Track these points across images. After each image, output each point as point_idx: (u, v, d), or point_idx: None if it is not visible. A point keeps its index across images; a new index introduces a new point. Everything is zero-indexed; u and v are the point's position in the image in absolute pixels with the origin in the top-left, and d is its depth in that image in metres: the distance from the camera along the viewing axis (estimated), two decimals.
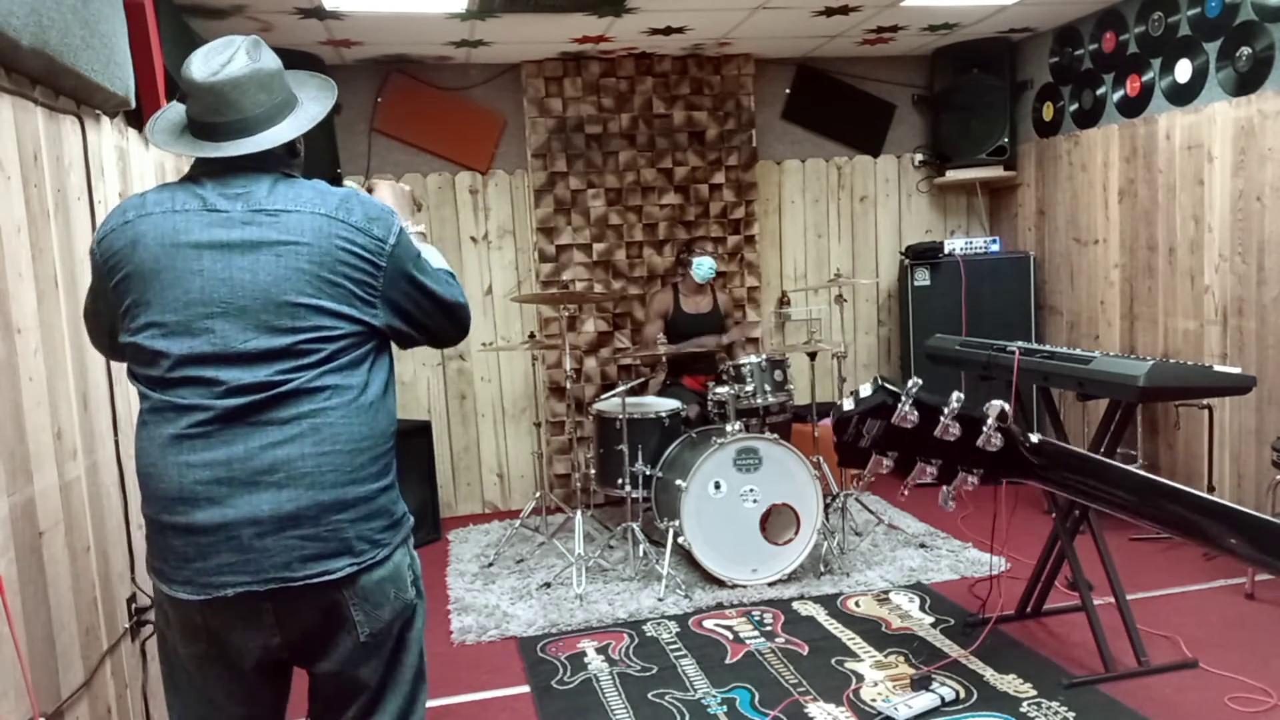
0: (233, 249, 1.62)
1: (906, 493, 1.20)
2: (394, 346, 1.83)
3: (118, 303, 1.67)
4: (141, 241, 1.64)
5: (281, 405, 1.61)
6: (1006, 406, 1.10)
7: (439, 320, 1.84)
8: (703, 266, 4.91)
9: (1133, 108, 4.74)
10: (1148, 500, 1.07)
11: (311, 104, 1.81)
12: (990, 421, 1.09)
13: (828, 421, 5.17)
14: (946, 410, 1.09)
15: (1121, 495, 1.08)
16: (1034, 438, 1.11)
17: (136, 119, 2.91)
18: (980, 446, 1.10)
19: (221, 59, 1.67)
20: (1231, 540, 1.01)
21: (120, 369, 2.54)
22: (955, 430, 1.10)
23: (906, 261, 5.56)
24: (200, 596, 1.60)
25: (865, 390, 1.12)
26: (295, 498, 1.60)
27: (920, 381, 1.11)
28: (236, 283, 1.61)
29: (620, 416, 4.24)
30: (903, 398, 1.09)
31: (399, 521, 1.75)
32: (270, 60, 1.73)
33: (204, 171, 1.71)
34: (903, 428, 1.10)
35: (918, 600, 3.87)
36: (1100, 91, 4.96)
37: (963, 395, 1.10)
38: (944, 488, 1.14)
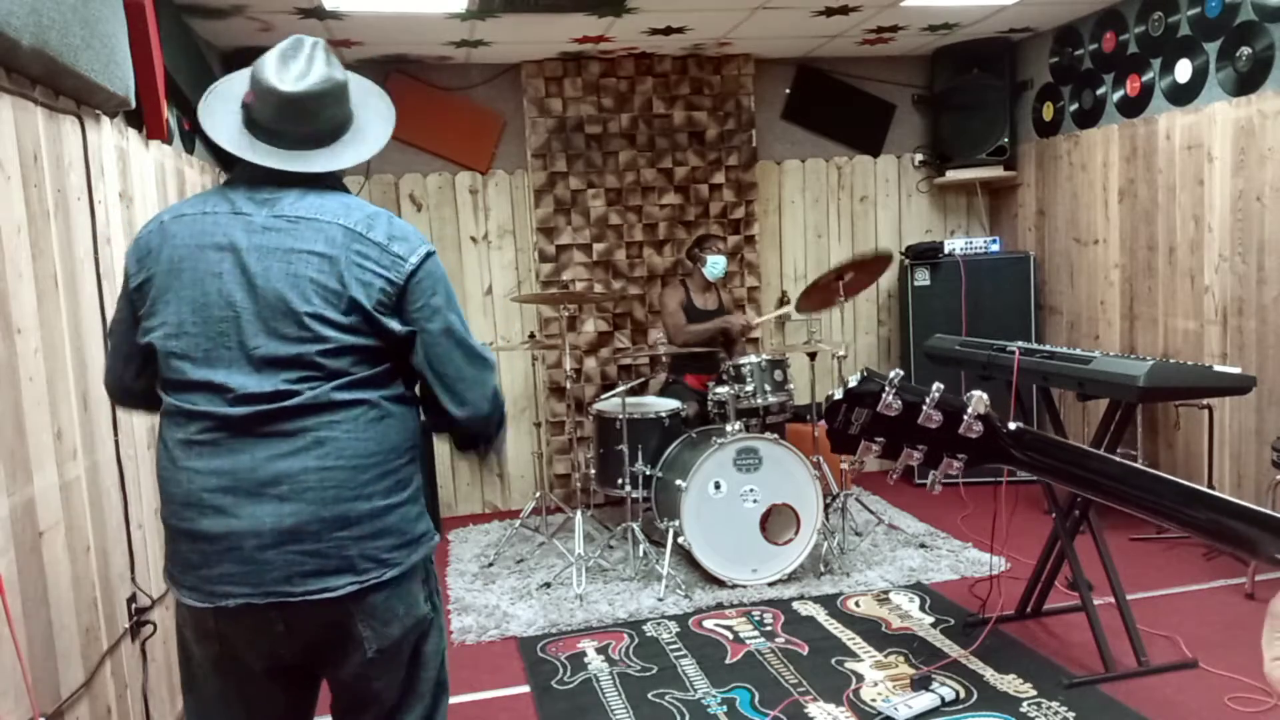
0: (250, 253, 1.61)
1: (895, 477, 1.27)
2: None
3: (141, 302, 1.66)
4: (171, 242, 1.64)
5: (289, 418, 1.59)
6: (985, 397, 1.15)
7: (461, 367, 1.70)
8: (716, 265, 4.89)
9: (1133, 108, 4.74)
10: (1121, 483, 1.11)
11: (376, 124, 1.77)
12: (970, 411, 1.14)
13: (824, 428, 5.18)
14: (928, 400, 1.15)
15: (1094, 478, 1.13)
16: (1012, 425, 1.17)
17: (136, 119, 2.91)
18: (962, 434, 1.16)
19: (300, 66, 1.65)
20: (1205, 522, 1.06)
21: None
22: (937, 418, 1.16)
23: (906, 261, 5.56)
24: (205, 604, 1.60)
25: (853, 381, 1.17)
26: (296, 512, 1.58)
27: (901, 372, 1.17)
28: (250, 288, 1.60)
29: (620, 416, 4.24)
30: (885, 387, 1.15)
31: (415, 540, 1.70)
32: (341, 70, 1.72)
33: (241, 176, 1.69)
34: (888, 416, 1.16)
35: (918, 600, 3.87)
36: (1100, 91, 4.96)
37: (942, 385, 1.16)
38: (931, 472, 1.21)
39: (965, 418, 1.14)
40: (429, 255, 1.69)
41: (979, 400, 1.14)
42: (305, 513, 1.58)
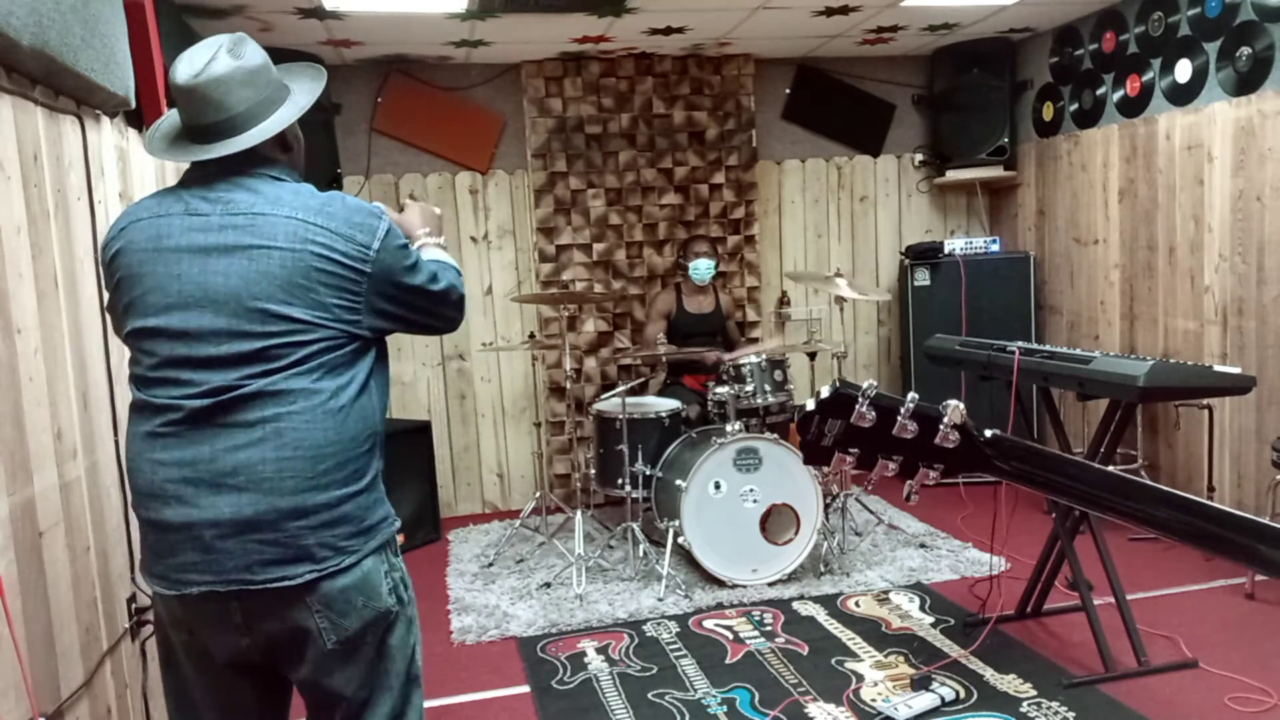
0: (209, 252, 1.63)
1: (870, 486, 1.26)
2: (388, 347, 1.83)
3: (118, 304, 1.71)
4: (130, 247, 1.67)
5: (246, 408, 1.61)
6: (961, 406, 1.13)
7: (434, 312, 1.84)
8: (699, 269, 4.91)
9: (1133, 108, 4.74)
10: (1100, 489, 1.11)
11: (301, 95, 1.80)
12: (946, 420, 1.13)
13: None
14: (903, 410, 1.14)
15: (1072, 484, 1.13)
16: (988, 433, 1.15)
17: (136, 119, 2.91)
18: (938, 444, 1.14)
19: (204, 59, 1.67)
20: (1188, 526, 1.06)
21: (118, 368, 2.55)
22: (912, 428, 1.14)
23: (906, 261, 5.56)
24: (171, 591, 1.64)
25: (826, 391, 1.16)
26: (254, 502, 1.60)
27: (876, 383, 1.16)
28: (210, 286, 1.62)
29: (620, 416, 4.24)
30: (859, 398, 1.13)
31: (371, 528, 1.71)
32: (254, 56, 1.72)
33: (193, 176, 1.72)
34: (862, 426, 1.14)
35: (918, 600, 3.87)
36: (1100, 91, 4.96)
37: (916, 395, 1.14)
38: (907, 482, 1.19)
39: (941, 427, 1.13)
40: (388, 231, 1.72)
41: (955, 409, 1.13)
42: (263, 503, 1.60)
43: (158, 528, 1.63)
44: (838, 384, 1.16)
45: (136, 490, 1.66)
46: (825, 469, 1.21)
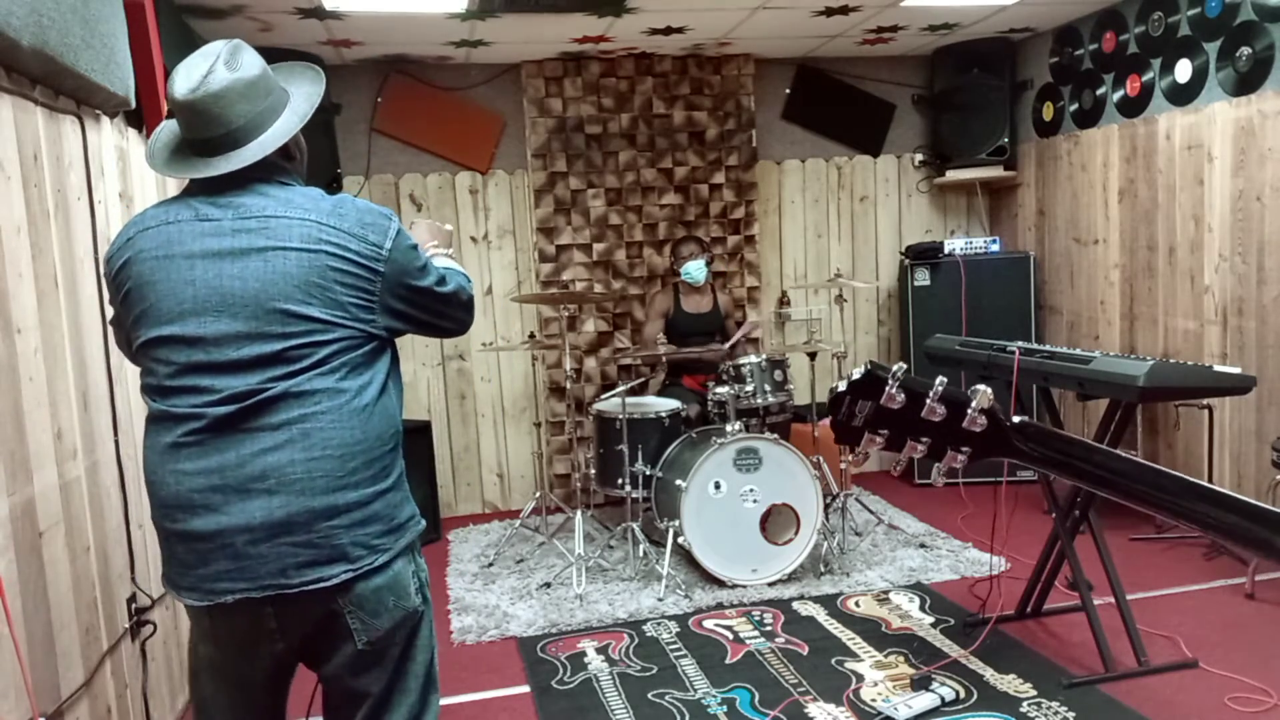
0: (223, 257, 1.63)
1: (899, 467, 1.28)
2: (397, 346, 1.83)
3: (127, 316, 1.70)
4: (139, 256, 1.66)
5: (271, 411, 1.61)
6: (989, 391, 1.15)
7: (444, 313, 1.85)
8: (691, 271, 4.91)
9: (1133, 108, 4.74)
10: (1125, 478, 1.12)
11: (301, 102, 1.79)
12: (974, 404, 1.15)
13: (828, 421, 5.18)
14: (931, 393, 1.15)
15: (1098, 471, 1.13)
16: (1016, 418, 1.17)
17: (136, 119, 2.91)
18: (966, 428, 1.16)
19: (201, 72, 1.66)
20: (1209, 517, 1.06)
21: (118, 368, 2.55)
22: (941, 411, 1.16)
23: (906, 261, 5.56)
24: (204, 602, 1.63)
25: (857, 373, 1.18)
26: (286, 504, 1.59)
27: (905, 365, 1.18)
28: (227, 291, 1.62)
29: (620, 416, 4.24)
30: (889, 380, 1.15)
31: (401, 526, 1.73)
32: (251, 66, 1.71)
33: (199, 184, 1.71)
34: (891, 408, 1.16)
35: (918, 600, 3.87)
36: (1100, 91, 4.96)
37: (945, 379, 1.16)
38: (935, 465, 1.21)
39: (969, 411, 1.14)
40: (399, 232, 1.74)
41: (983, 394, 1.14)
42: (295, 504, 1.60)
43: (186, 538, 1.62)
44: (869, 365, 1.18)
45: (161, 503, 1.64)
46: (855, 449, 1.23)
